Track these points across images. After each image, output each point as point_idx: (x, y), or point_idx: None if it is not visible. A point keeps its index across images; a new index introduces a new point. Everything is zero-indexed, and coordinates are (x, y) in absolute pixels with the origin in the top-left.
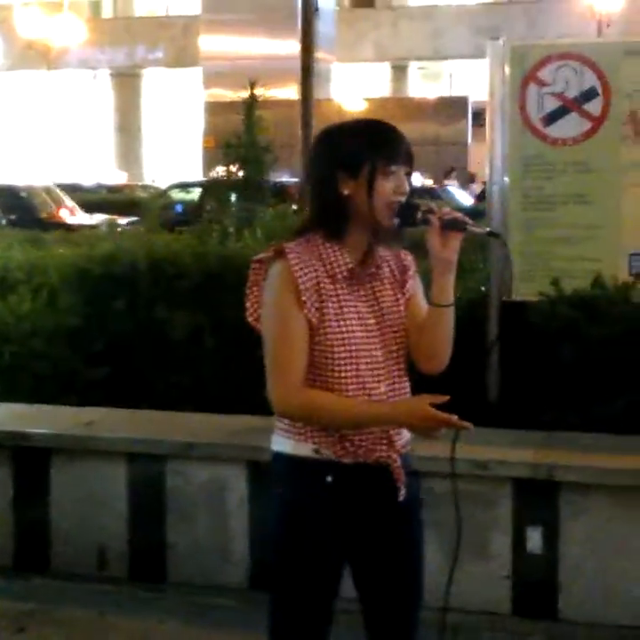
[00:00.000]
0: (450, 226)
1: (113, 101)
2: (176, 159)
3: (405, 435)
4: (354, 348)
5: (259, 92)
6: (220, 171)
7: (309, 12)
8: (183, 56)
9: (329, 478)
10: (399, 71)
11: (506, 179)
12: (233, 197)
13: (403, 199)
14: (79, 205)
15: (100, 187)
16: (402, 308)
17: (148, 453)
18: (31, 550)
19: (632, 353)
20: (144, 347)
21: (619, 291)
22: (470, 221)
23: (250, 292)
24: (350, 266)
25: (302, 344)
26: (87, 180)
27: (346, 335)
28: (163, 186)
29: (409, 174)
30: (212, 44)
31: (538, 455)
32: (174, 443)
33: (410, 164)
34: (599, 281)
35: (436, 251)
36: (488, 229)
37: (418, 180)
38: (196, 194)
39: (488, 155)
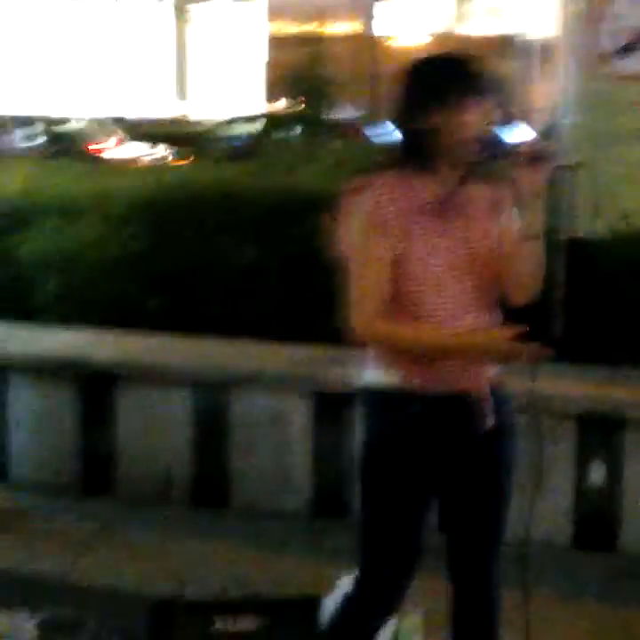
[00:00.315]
0: (537, 158)
1: (175, 34)
2: (239, 91)
3: (495, 367)
4: (440, 277)
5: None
6: (282, 104)
7: None
8: None
9: (416, 408)
10: (461, 4)
11: (573, 115)
12: (296, 130)
13: (491, 131)
14: (143, 138)
15: (160, 119)
16: (493, 241)
17: (212, 381)
18: (97, 474)
19: None
20: (209, 275)
21: None
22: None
23: (340, 222)
24: (437, 198)
25: (384, 273)
26: (150, 113)
27: (432, 265)
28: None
29: (496, 108)
30: None
31: (601, 389)
32: (239, 371)
33: (496, 98)
34: None
35: (522, 183)
36: (575, 161)
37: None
38: (259, 125)
39: (557, 91)
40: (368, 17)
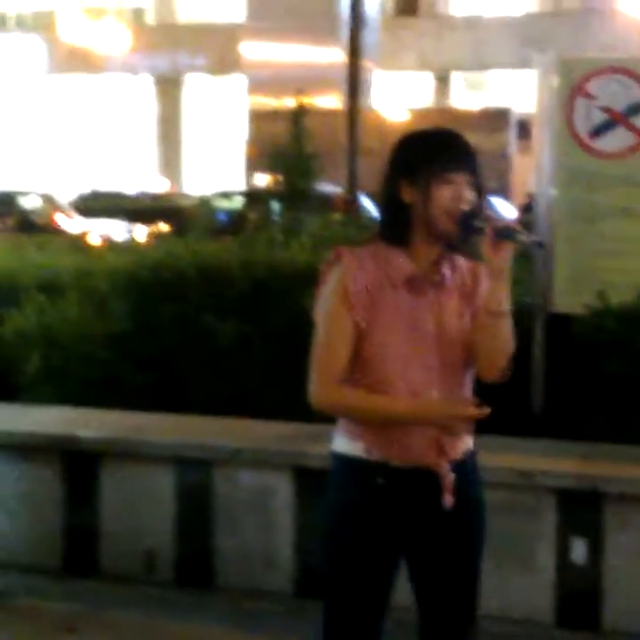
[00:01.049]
0: (500, 234)
1: (155, 107)
2: (217, 167)
3: (464, 442)
4: (405, 352)
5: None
6: (263, 179)
7: (356, 19)
8: (225, 63)
9: (379, 480)
10: (442, 81)
11: (552, 190)
12: (277, 206)
13: (463, 207)
14: (125, 213)
15: (142, 194)
16: (466, 318)
17: (195, 458)
18: (80, 553)
19: None
20: (192, 353)
21: None
22: (521, 230)
23: (316, 293)
24: (410, 273)
25: (345, 344)
26: (130, 188)
27: (397, 340)
28: (205, 193)
29: (473, 183)
30: (254, 51)
31: (582, 466)
32: (221, 448)
33: (472, 172)
34: None
35: (488, 258)
36: (536, 239)
37: None
38: (238, 202)
39: (535, 166)
40: (349, 91)
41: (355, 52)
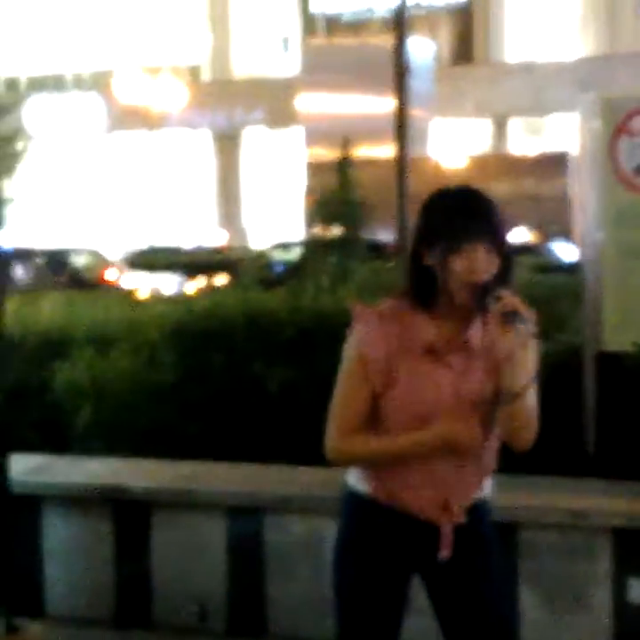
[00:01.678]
0: (505, 318)
1: (214, 162)
2: (276, 219)
3: (475, 494)
4: (424, 417)
5: (355, 151)
6: (321, 229)
7: (400, 67)
8: (282, 116)
9: (380, 520)
10: (500, 127)
11: (599, 230)
12: (332, 255)
13: (478, 279)
14: (181, 267)
15: (200, 249)
16: (486, 389)
17: (246, 506)
18: (132, 604)
19: None
20: (240, 401)
21: None
22: (526, 317)
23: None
24: (430, 340)
25: (361, 404)
26: (188, 243)
27: (414, 405)
28: (263, 246)
29: (494, 250)
30: (311, 103)
31: (636, 505)
32: (272, 495)
33: (492, 238)
34: None
35: (496, 338)
36: (530, 328)
37: (524, 235)
38: (296, 253)
39: (580, 207)
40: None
41: (401, 98)
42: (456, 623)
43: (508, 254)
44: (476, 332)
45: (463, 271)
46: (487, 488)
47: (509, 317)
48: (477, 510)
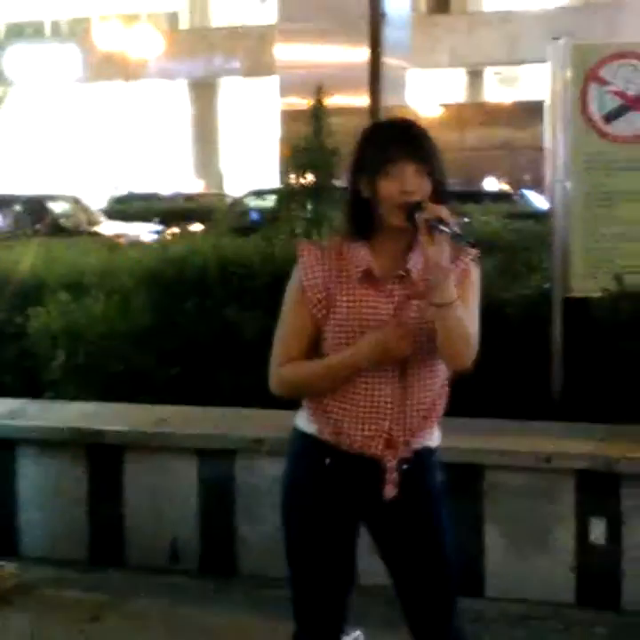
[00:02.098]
0: (432, 227)
1: (190, 111)
2: (252, 167)
3: (426, 436)
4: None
5: (330, 99)
6: (292, 177)
7: (375, 17)
8: (259, 65)
9: (327, 460)
10: (475, 76)
11: (568, 178)
12: (307, 203)
13: (408, 199)
14: (158, 215)
15: (177, 195)
16: (424, 315)
17: (218, 449)
18: (106, 544)
19: None
20: (214, 347)
21: None
22: (450, 223)
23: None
24: (366, 266)
25: (301, 335)
26: (165, 189)
27: (353, 330)
28: (239, 193)
29: (425, 171)
30: (287, 52)
31: (600, 447)
32: (243, 438)
33: (422, 160)
34: None
35: (423, 250)
36: (454, 231)
37: (494, 184)
38: (271, 201)
39: (550, 154)
40: (370, 88)
41: (375, 47)
42: (400, 568)
43: (442, 182)
44: (415, 264)
45: (394, 192)
46: (435, 438)
47: (434, 225)
48: (424, 458)
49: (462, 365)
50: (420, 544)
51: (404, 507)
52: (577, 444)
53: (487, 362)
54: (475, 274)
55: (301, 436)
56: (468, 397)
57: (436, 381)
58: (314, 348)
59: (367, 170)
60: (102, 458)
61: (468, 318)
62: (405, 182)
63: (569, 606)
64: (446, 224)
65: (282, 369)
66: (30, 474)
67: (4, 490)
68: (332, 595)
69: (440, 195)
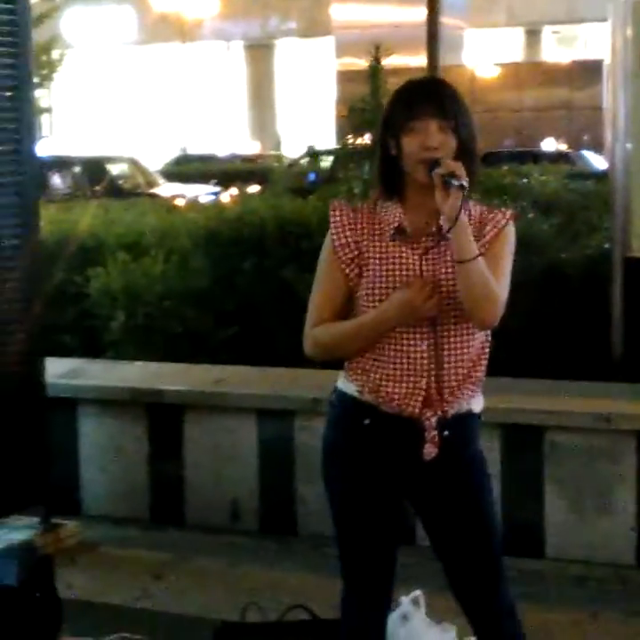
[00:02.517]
0: (445, 182)
1: (246, 72)
2: (309, 128)
3: (467, 398)
4: None
5: (387, 59)
6: (350, 137)
7: None
8: (315, 26)
9: (367, 421)
10: (533, 36)
11: (628, 140)
12: (365, 164)
13: (430, 155)
14: (216, 176)
15: (234, 157)
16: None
17: (276, 409)
18: (166, 503)
19: None
20: (272, 307)
21: None
22: (460, 177)
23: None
24: (397, 223)
25: (335, 295)
26: (222, 151)
27: (386, 287)
28: (297, 155)
29: (450, 128)
30: (343, 12)
31: None
32: (301, 398)
33: (446, 117)
34: None
35: (439, 205)
36: (462, 182)
37: (552, 145)
38: (329, 162)
39: (610, 115)
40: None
41: (432, 7)
42: (444, 537)
43: (468, 140)
44: (445, 221)
45: (416, 148)
46: (477, 402)
47: (447, 180)
48: (466, 424)
49: (488, 323)
50: (462, 510)
51: (446, 471)
52: (637, 405)
53: (547, 322)
54: (509, 233)
55: (342, 398)
56: (529, 358)
57: (474, 341)
58: (347, 310)
59: (393, 127)
60: (162, 417)
61: (497, 276)
62: (428, 138)
63: (629, 568)
64: (458, 178)
65: (315, 330)
66: (91, 433)
67: (66, 449)
68: (379, 556)
69: (467, 153)
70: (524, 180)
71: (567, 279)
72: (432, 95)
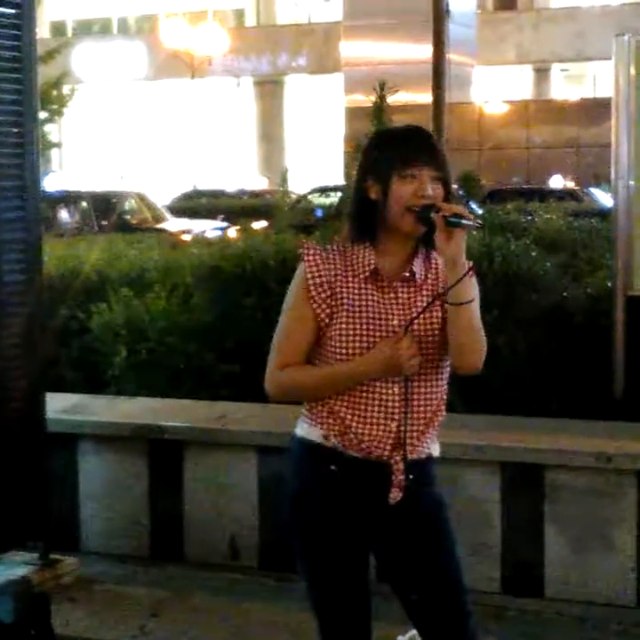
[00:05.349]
0: (449, 222)
1: (255, 108)
2: (318, 164)
3: (428, 443)
4: (366, 345)
5: (394, 96)
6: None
7: (439, 14)
8: (324, 63)
9: (333, 467)
10: (542, 73)
11: (631, 177)
12: None
13: (424, 202)
14: (223, 212)
15: (242, 192)
16: (437, 314)
17: (277, 446)
18: (166, 540)
19: None
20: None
21: None
22: (469, 217)
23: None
24: (372, 267)
25: (303, 335)
26: (230, 186)
27: (358, 332)
28: (303, 191)
29: (438, 178)
30: (352, 50)
31: None
32: None
33: (436, 167)
34: None
35: (441, 248)
36: (478, 223)
37: (560, 182)
38: (336, 198)
39: (613, 153)
40: (433, 84)
41: (438, 42)
42: (410, 580)
43: (450, 191)
44: (419, 266)
45: (408, 196)
46: (436, 447)
47: (453, 220)
48: (427, 468)
49: (475, 366)
50: (426, 553)
51: (409, 515)
52: (639, 444)
53: (549, 360)
54: (474, 282)
55: (305, 445)
56: (530, 396)
57: (440, 386)
58: (310, 351)
59: (380, 172)
60: (163, 453)
61: (478, 317)
62: (424, 187)
63: (629, 608)
64: (467, 218)
65: (281, 374)
66: (92, 469)
67: (66, 484)
68: (355, 602)
69: (447, 202)
70: (529, 218)
71: (569, 317)
72: (424, 145)
